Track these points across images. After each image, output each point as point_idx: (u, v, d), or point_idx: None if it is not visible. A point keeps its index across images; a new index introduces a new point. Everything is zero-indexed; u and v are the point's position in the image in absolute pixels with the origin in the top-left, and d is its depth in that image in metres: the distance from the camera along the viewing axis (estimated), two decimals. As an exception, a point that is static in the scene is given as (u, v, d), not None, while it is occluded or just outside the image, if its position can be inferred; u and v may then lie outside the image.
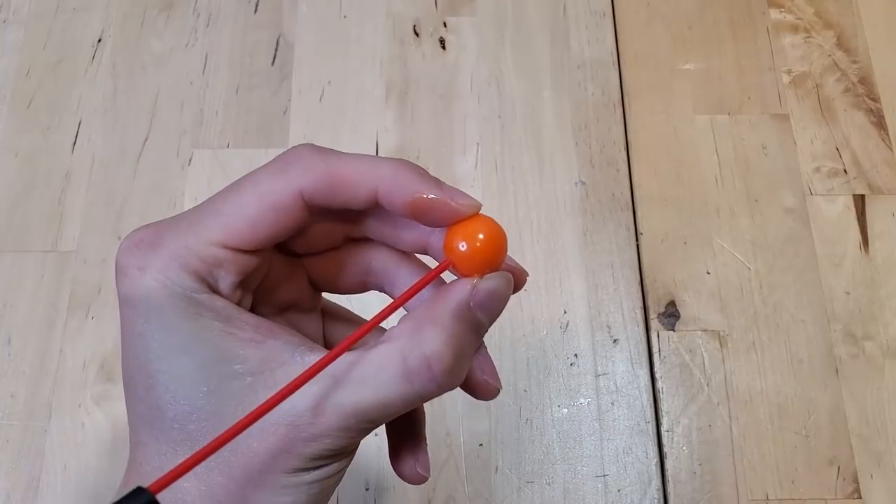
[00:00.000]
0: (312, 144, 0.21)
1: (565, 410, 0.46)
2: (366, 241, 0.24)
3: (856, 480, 0.44)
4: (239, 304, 0.21)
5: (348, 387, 0.19)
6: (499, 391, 0.23)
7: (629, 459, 0.45)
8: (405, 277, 0.24)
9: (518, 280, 0.23)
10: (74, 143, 0.54)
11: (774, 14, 0.57)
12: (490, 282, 0.21)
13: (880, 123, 0.54)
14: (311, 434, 0.19)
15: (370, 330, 0.20)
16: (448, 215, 0.21)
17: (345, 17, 0.57)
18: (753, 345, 0.48)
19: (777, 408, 0.46)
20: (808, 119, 0.54)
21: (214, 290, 0.21)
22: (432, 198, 0.21)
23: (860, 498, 0.44)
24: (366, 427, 0.20)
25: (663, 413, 0.46)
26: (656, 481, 0.45)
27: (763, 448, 0.45)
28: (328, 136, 0.54)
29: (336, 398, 0.19)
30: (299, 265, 0.24)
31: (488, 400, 0.23)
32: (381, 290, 0.25)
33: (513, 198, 0.52)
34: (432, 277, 0.21)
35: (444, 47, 0.56)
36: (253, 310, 0.22)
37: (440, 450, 0.44)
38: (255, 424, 0.18)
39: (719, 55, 0.56)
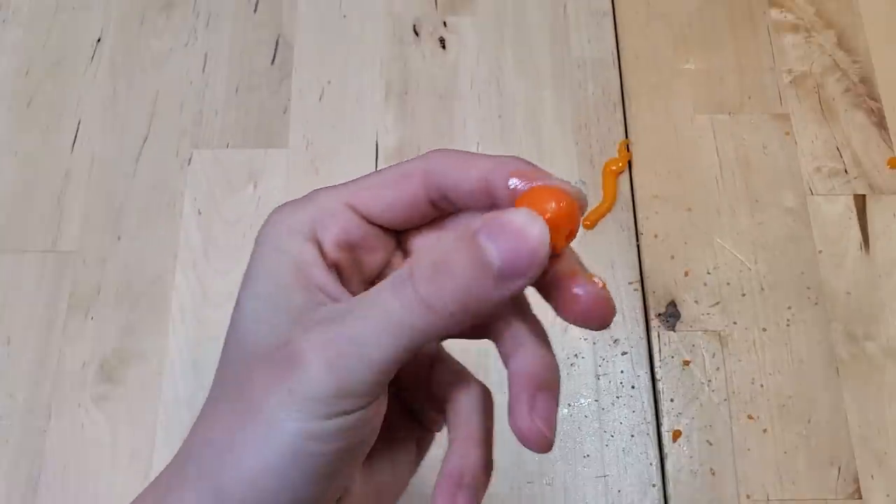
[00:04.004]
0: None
1: (565, 410, 0.46)
2: None
3: (856, 481, 0.45)
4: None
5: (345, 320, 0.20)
6: (550, 444, 0.21)
7: (629, 460, 0.45)
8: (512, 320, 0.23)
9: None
10: (74, 142, 0.54)
11: (775, 14, 0.58)
12: (508, 215, 0.20)
13: (881, 123, 0.54)
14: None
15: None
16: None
17: (344, 16, 0.58)
18: (754, 345, 0.48)
19: (778, 408, 0.47)
20: (808, 119, 0.54)
21: (319, 245, 0.22)
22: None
23: (861, 498, 0.44)
24: (383, 374, 0.20)
25: (664, 413, 0.46)
26: (657, 482, 0.45)
27: (764, 448, 0.46)
28: (328, 135, 0.54)
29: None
30: None
31: (536, 451, 0.21)
32: (491, 334, 0.24)
33: None
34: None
35: (444, 47, 0.57)
36: None
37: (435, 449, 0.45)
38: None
39: (720, 55, 0.56)
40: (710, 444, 0.46)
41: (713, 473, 0.45)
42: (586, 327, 0.22)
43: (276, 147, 0.53)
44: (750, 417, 0.47)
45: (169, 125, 0.54)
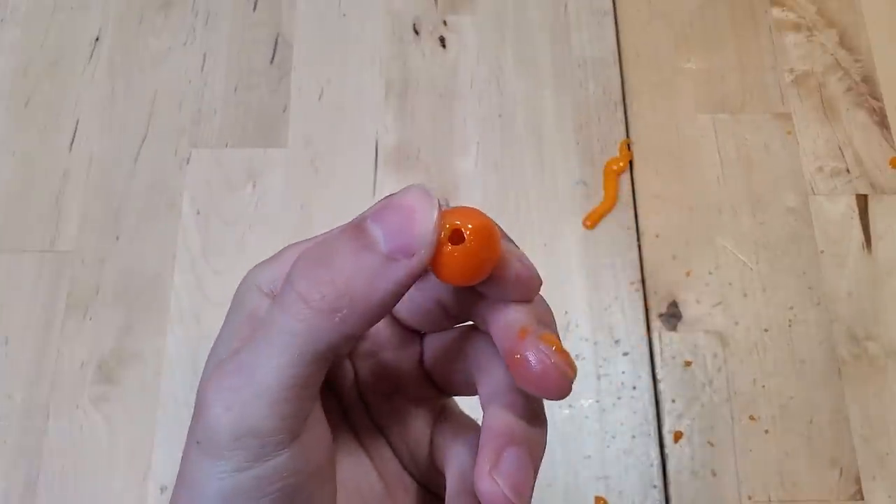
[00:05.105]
0: None
1: (567, 411, 0.46)
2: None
3: (858, 482, 0.45)
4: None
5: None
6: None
7: (631, 461, 0.46)
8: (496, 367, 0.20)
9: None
10: (72, 142, 0.54)
11: (776, 12, 0.58)
12: (395, 195, 0.18)
13: (883, 122, 0.54)
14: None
15: None
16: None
17: (344, 15, 0.58)
18: (755, 345, 0.48)
19: (779, 409, 0.47)
20: (810, 118, 0.55)
21: None
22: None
23: (862, 499, 0.45)
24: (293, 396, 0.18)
25: (665, 414, 0.47)
26: (658, 483, 0.45)
27: (765, 449, 0.46)
28: (327, 134, 0.54)
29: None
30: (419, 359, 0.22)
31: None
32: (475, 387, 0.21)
33: (513, 198, 0.52)
34: None
35: (444, 46, 0.57)
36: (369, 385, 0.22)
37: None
38: None
39: (721, 54, 0.57)
40: (712, 445, 0.46)
41: (714, 474, 0.45)
42: (537, 395, 0.18)
43: (276, 146, 0.54)
44: (751, 418, 0.47)
45: (167, 125, 0.54)
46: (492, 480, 0.18)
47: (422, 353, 0.22)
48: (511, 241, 0.19)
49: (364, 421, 0.22)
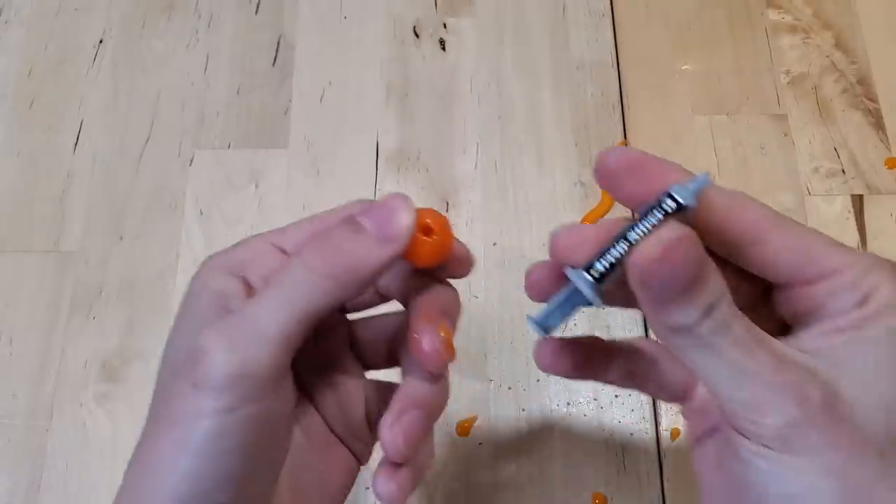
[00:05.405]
0: None
1: (565, 409, 0.46)
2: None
3: None
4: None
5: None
6: (403, 457, 0.23)
7: (628, 458, 0.46)
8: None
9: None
10: (76, 143, 0.55)
11: (773, 15, 0.58)
12: (382, 200, 0.23)
13: (878, 124, 0.54)
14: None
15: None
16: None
17: (345, 17, 0.58)
18: None
19: None
20: (806, 119, 0.54)
21: (245, 281, 0.24)
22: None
23: None
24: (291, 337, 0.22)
25: (662, 412, 0.46)
26: (656, 480, 0.45)
27: None
28: (329, 136, 0.55)
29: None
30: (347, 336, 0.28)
31: (390, 458, 0.23)
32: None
33: (512, 198, 0.52)
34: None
35: (444, 48, 0.57)
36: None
37: (440, 445, 0.45)
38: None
39: (718, 56, 0.57)
40: (709, 443, 0.46)
41: (711, 472, 0.45)
42: (422, 365, 0.24)
43: (278, 147, 0.54)
44: (748, 416, 0.47)
45: (171, 126, 0.55)
46: (391, 430, 0.23)
47: (349, 335, 0.28)
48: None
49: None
